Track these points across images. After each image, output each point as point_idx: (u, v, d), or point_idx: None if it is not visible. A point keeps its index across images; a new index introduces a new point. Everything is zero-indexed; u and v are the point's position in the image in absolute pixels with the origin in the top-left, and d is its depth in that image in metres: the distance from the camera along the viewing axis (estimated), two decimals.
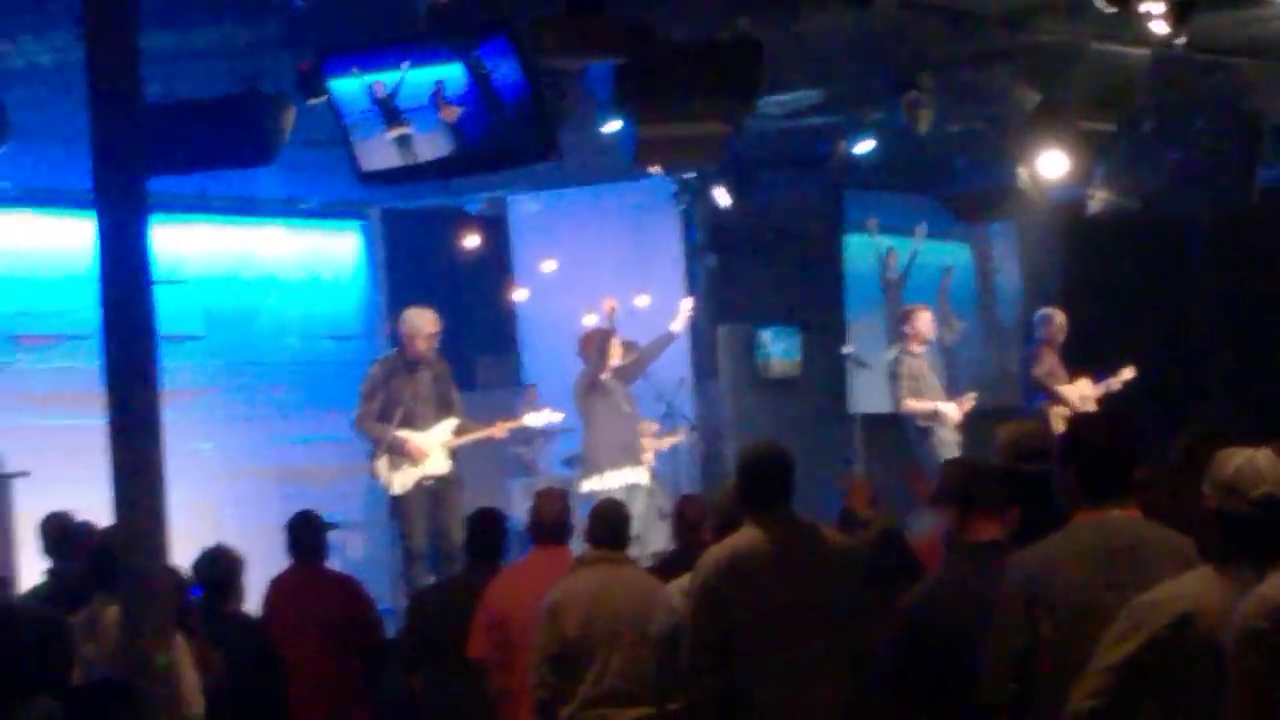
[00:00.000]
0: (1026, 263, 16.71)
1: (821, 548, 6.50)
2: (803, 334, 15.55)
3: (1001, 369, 16.34)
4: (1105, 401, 13.90)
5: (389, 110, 9.43)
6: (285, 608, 8.73)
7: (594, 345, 12.86)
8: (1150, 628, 4.56)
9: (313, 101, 9.52)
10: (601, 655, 7.33)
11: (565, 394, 13.17)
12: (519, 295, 15.40)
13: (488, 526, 8.64)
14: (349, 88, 9.39)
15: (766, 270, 15.19)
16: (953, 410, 13.68)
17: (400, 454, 11.76)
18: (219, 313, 14.03)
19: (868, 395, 14.79)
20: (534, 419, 12.98)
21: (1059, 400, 13.74)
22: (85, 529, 8.51)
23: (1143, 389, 14.09)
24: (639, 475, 12.89)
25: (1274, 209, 13.92)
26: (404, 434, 11.75)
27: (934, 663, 5.70)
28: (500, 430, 12.67)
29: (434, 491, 11.83)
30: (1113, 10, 8.74)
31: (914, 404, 13.66)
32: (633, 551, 8.29)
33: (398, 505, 11.88)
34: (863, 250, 15.78)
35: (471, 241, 14.93)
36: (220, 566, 8.04)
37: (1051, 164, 11.66)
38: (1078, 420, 6.03)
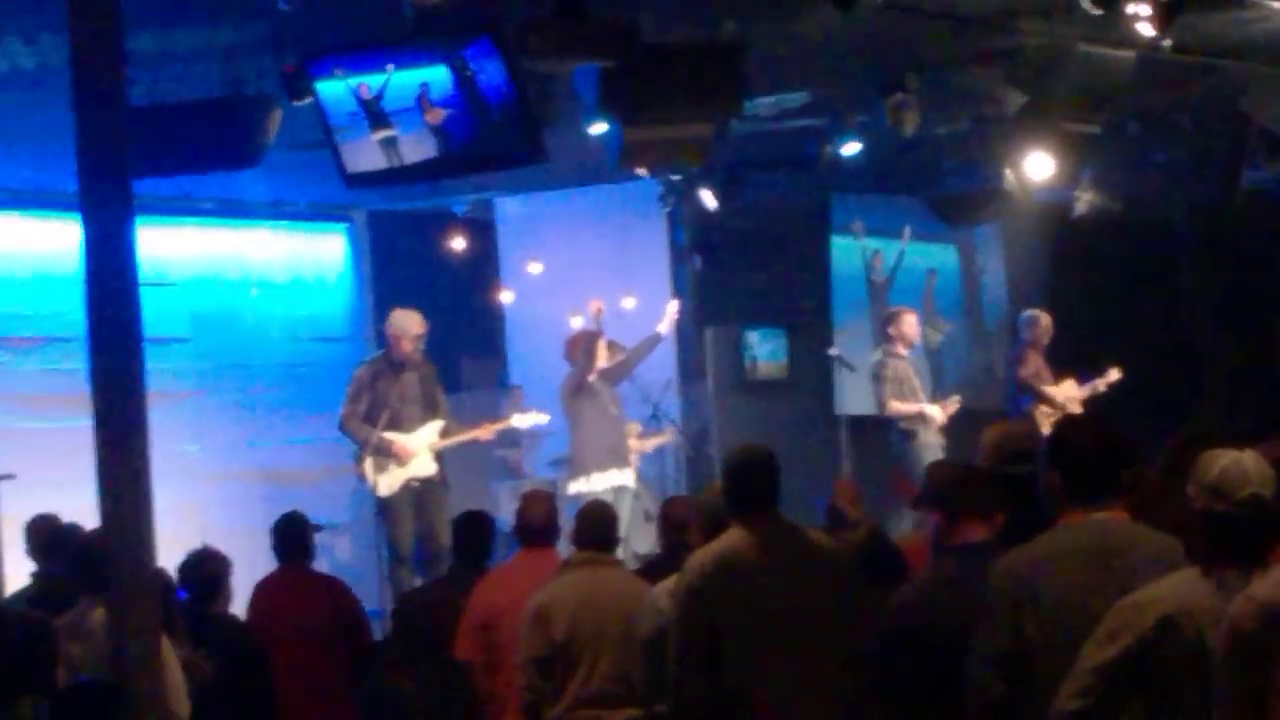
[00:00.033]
0: (1012, 264, 16.71)
1: (808, 550, 6.51)
2: (789, 336, 15.57)
3: (987, 371, 16.35)
4: (1091, 403, 13.93)
5: (374, 112, 9.43)
6: (272, 610, 8.73)
7: (580, 347, 12.87)
8: (1136, 629, 4.57)
9: (298, 104, 9.51)
10: (589, 657, 7.32)
11: (551, 396, 13.17)
12: (505, 297, 15.39)
13: (474, 528, 8.65)
14: (334, 90, 9.39)
15: (753, 272, 15.20)
16: (936, 413, 13.69)
17: (386, 455, 11.76)
18: (205, 315, 14.02)
19: (854, 397, 14.79)
20: (520, 421, 12.98)
21: (1045, 402, 13.77)
22: (72, 531, 8.49)
23: (1128, 391, 14.11)
24: (626, 477, 12.90)
25: (1259, 211, 13.96)
26: (390, 435, 11.76)
27: (921, 664, 5.70)
28: (486, 432, 12.69)
29: (420, 493, 11.84)
30: (1099, 12, 8.76)
31: (898, 406, 13.66)
32: (619, 554, 8.29)
33: (384, 507, 11.89)
34: (849, 252, 15.76)
35: (458, 243, 14.90)
36: (207, 568, 8.04)
37: (1037, 166, 11.68)
38: (1064, 422, 6.03)
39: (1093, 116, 11.01)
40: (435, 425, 11.98)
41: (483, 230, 15.44)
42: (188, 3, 8.60)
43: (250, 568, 8.92)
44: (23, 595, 8.54)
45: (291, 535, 8.94)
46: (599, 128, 10.07)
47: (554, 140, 9.59)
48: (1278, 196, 14.12)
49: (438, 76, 9.18)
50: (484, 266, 15.34)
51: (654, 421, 13.95)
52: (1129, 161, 13.44)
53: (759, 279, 15.22)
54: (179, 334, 13.66)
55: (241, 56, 9.48)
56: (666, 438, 14.14)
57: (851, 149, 12.51)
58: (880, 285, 16.00)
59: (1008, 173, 12.36)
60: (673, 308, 13.72)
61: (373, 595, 11.74)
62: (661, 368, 14.17)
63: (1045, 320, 14.23)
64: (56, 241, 12.23)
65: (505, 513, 12.20)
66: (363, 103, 9.38)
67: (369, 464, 11.77)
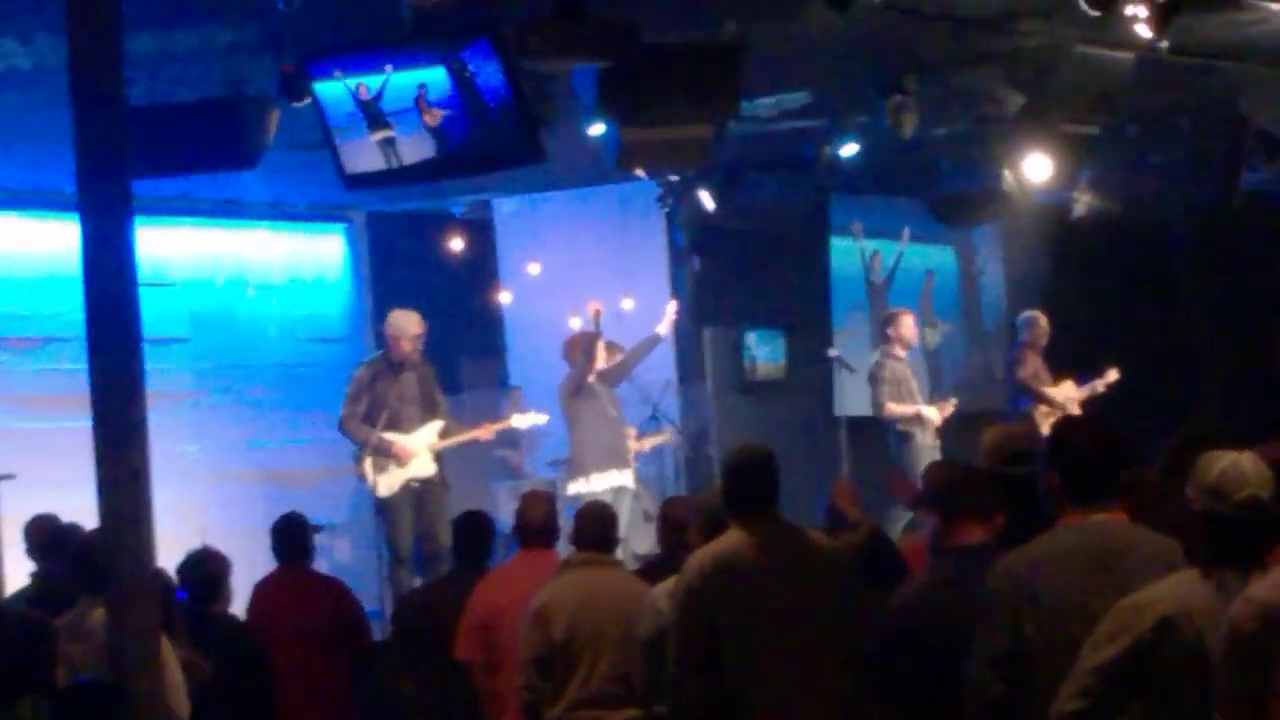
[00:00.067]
0: (1010, 266, 16.71)
1: (807, 550, 6.51)
2: (788, 337, 15.56)
3: (986, 372, 16.36)
4: (1090, 404, 13.93)
5: (373, 113, 9.44)
6: (272, 610, 8.72)
7: (579, 348, 12.87)
8: (1135, 630, 4.58)
9: (297, 104, 9.52)
10: (588, 658, 7.32)
11: (550, 396, 13.17)
12: (504, 298, 15.38)
13: (474, 529, 8.65)
14: (333, 91, 9.40)
15: (752, 273, 15.20)
16: (933, 414, 13.68)
17: (386, 456, 11.76)
18: (204, 315, 14.00)
19: (853, 398, 14.77)
20: (519, 421, 12.98)
21: (1044, 403, 13.77)
22: (71, 531, 8.49)
23: (1127, 392, 14.12)
24: (625, 478, 12.89)
25: (1257, 212, 13.98)
26: (390, 436, 11.76)
27: (920, 665, 5.71)
28: (485, 432, 12.69)
29: (420, 494, 11.84)
30: (1097, 14, 8.76)
31: (895, 408, 13.65)
32: (619, 554, 8.29)
33: (384, 507, 11.88)
34: (848, 253, 15.77)
35: (456, 244, 14.92)
36: (206, 568, 8.04)
37: (1036, 167, 11.70)
38: (1062, 423, 6.02)
39: (1091, 118, 11.03)
40: (434, 426, 11.98)
41: (481, 231, 15.43)
42: (187, 3, 8.60)
43: (250, 568, 8.92)
44: (23, 595, 8.55)
45: (291, 536, 8.94)
46: (597, 128, 10.08)
47: (552, 141, 9.59)
48: (1276, 198, 14.15)
49: (436, 77, 9.18)
50: (483, 267, 15.34)
51: (653, 422, 13.94)
52: (1127, 163, 13.44)
53: (758, 280, 15.22)
54: (178, 334, 13.64)
55: (241, 57, 9.49)
56: (665, 438, 14.13)
57: (850, 150, 12.50)
58: (879, 286, 16.00)
59: (1006, 174, 12.37)
60: (671, 308, 13.72)
61: (372, 596, 11.73)
62: (660, 368, 14.16)
63: (1043, 321, 14.23)
64: (55, 242, 12.21)
65: (505, 513, 12.20)
66: (361, 103, 9.39)
67: (368, 464, 11.76)
